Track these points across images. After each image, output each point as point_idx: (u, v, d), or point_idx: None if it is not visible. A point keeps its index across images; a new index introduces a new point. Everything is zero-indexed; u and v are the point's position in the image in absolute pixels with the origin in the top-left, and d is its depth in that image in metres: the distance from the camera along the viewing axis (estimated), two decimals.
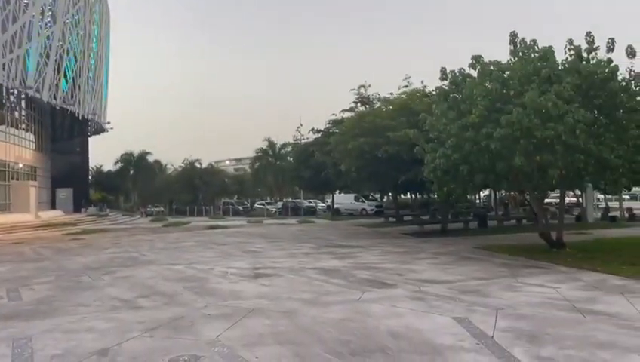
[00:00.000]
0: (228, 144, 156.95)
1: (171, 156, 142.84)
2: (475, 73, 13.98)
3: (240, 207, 54.86)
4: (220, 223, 32.87)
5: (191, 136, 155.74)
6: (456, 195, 16.52)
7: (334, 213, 42.32)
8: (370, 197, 44.09)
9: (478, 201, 42.33)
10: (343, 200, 44.30)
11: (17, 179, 38.30)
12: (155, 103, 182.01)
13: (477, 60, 13.72)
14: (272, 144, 62.81)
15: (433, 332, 6.12)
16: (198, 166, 64.65)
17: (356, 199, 43.39)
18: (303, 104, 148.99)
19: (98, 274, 11.61)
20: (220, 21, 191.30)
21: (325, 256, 14.40)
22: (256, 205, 56.06)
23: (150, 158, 70.31)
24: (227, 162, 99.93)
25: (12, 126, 39.43)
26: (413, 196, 36.05)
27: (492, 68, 13.50)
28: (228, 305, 7.94)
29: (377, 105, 28.09)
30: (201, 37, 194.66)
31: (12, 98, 39.15)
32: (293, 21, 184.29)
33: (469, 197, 33.92)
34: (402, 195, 36.19)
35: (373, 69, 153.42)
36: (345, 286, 9.47)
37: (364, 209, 42.83)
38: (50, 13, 36.90)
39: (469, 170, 13.03)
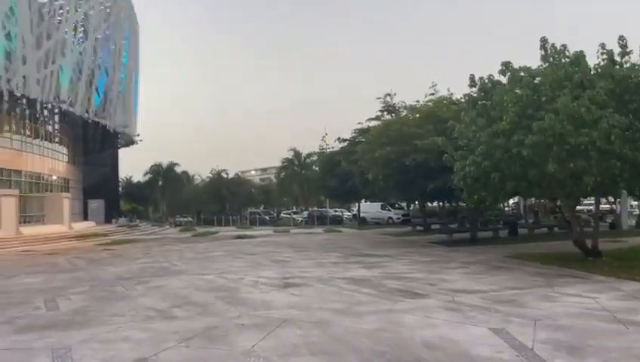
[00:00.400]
0: (253, 154, 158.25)
1: (199, 167, 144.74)
2: (504, 79, 13.81)
3: (266, 217, 55.19)
4: (248, 233, 33.08)
5: (217, 146, 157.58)
6: (487, 203, 16.26)
7: (361, 221, 42.15)
8: (397, 205, 43.81)
9: (506, 209, 41.62)
10: (369, 208, 44.12)
11: (51, 191, 39.28)
12: (183, 114, 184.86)
13: (506, 66, 13.56)
14: (297, 153, 63.18)
15: (470, 343, 6.02)
16: (225, 176, 65.37)
17: (383, 208, 43.17)
18: (328, 113, 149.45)
19: (131, 284, 11.80)
20: (245, 31, 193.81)
21: (354, 266, 14.34)
22: (282, 214, 56.32)
23: (178, 169, 71.42)
24: (253, 172, 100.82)
25: (46, 139, 40.55)
26: (440, 204, 35.68)
27: (522, 74, 13.32)
28: (260, 315, 7.97)
29: (404, 113, 27.97)
30: (228, 47, 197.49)
31: (46, 112, 40.30)
32: (317, 30, 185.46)
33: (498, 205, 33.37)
34: (430, 203, 35.84)
35: (397, 78, 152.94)
36: (376, 296, 9.40)
37: (390, 217, 42.56)
38: (82, 29, 37.96)
39: (500, 178, 12.83)
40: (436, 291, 9.77)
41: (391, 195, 32.25)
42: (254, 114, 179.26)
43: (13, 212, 30.37)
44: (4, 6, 29.19)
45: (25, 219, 34.20)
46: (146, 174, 71.11)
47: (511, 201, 40.39)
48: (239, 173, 72.25)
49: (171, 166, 70.79)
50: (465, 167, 13.21)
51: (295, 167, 63.39)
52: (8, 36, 29.88)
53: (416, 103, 26.70)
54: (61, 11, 35.49)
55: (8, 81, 29.48)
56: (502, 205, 38.01)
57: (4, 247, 24.22)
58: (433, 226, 29.15)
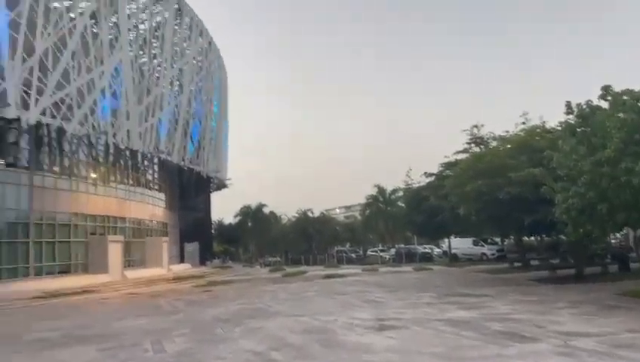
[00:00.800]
0: (337, 192, 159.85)
1: (285, 207, 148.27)
2: (604, 105, 12.98)
3: (353, 255, 54.89)
4: (336, 272, 33.00)
5: (302, 185, 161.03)
6: (594, 236, 15.09)
7: (452, 258, 40.67)
8: (490, 240, 41.89)
9: (613, 241, 38.35)
10: (460, 244, 42.53)
11: (151, 236, 41.85)
12: (268, 155, 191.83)
13: (607, 90, 12.76)
14: (381, 190, 62.74)
15: None
16: (311, 215, 66.24)
17: (475, 243, 41.43)
18: (411, 148, 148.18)
19: (230, 326, 12.07)
20: (329, 70, 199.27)
21: (450, 306, 13.74)
22: (369, 252, 55.78)
23: (266, 210, 73.41)
24: (337, 210, 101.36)
25: (146, 187, 43.58)
26: (539, 238, 33.65)
27: (625, 97, 12.45)
28: (359, 360, 7.79)
29: (492, 144, 27.05)
30: (310, 86, 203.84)
31: (146, 162, 43.49)
32: (394, 68, 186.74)
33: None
34: (526, 237, 33.95)
35: (481, 109, 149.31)
36: (479, 340, 8.89)
37: (484, 253, 40.69)
38: (177, 83, 41.04)
39: (608, 209, 11.90)
40: (545, 334, 9.07)
41: (484, 230, 30.96)
42: (337, 152, 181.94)
43: (119, 257, 32.65)
44: (110, 68, 32.26)
45: (129, 263, 36.55)
46: (236, 216, 73.75)
47: (618, 233, 37.25)
48: (324, 212, 72.95)
49: (259, 207, 72.88)
50: (568, 199, 12.41)
51: (380, 203, 62.88)
52: (114, 94, 32.86)
53: (505, 133, 25.78)
54: (159, 68, 38.62)
55: (114, 135, 32.24)
56: (608, 238, 35.14)
57: (112, 290, 25.93)
58: (532, 262, 27.46)
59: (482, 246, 41.37)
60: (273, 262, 57.91)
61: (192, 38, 42.80)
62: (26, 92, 25.94)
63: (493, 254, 39.54)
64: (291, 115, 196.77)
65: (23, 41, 25.82)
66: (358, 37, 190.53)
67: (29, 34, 26.25)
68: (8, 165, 28.70)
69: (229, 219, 76.19)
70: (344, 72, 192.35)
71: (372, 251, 55.89)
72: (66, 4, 30.41)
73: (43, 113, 26.88)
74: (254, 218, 72.68)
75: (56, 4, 29.55)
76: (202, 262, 51.95)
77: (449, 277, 24.76)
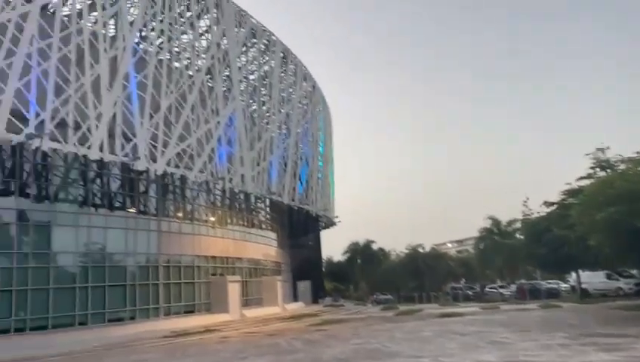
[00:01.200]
0: (447, 226, 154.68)
1: (393, 242, 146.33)
2: None
3: (470, 292, 52.28)
4: (453, 310, 31.49)
5: (410, 220, 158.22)
6: None
7: (582, 294, 37.09)
8: (625, 273, 37.70)
9: None
10: (591, 278, 38.68)
11: (266, 275, 43.19)
12: (374, 191, 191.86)
13: None
14: (496, 221, 59.56)
15: None
16: (421, 250, 64.50)
17: (609, 277, 37.48)
18: (524, 176, 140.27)
19: None
20: (431, 99, 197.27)
21: (588, 348, 12.39)
22: (487, 289, 52.74)
23: (374, 246, 72.86)
24: (449, 244, 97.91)
25: (259, 227, 45.36)
26: None
27: None
28: None
29: (621, 167, 24.63)
30: (412, 121, 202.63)
31: (258, 203, 45.45)
32: (502, 89, 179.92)
33: None
34: None
35: (601, 131, 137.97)
36: None
37: (620, 288, 36.56)
38: (285, 127, 42.91)
39: None
40: None
41: (619, 262, 27.97)
42: (444, 184, 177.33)
43: (237, 296, 33.99)
44: (225, 117, 34.57)
45: (246, 302, 37.87)
46: (344, 253, 73.99)
47: None
48: (435, 247, 70.72)
49: (368, 244, 72.54)
50: None
51: (495, 236, 59.63)
52: (229, 142, 35.05)
53: (637, 155, 23.36)
54: (268, 114, 40.71)
55: (230, 180, 34.19)
56: None
57: (232, 329, 26.92)
58: None
59: (617, 279, 37.29)
60: (384, 299, 56.89)
61: (297, 83, 44.76)
62: (153, 145, 28.53)
63: (631, 289, 35.47)
64: (397, 150, 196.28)
65: (150, 99, 28.64)
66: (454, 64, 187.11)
67: (154, 93, 29.08)
68: (139, 213, 31.46)
69: (338, 256, 76.72)
70: (446, 100, 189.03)
71: (490, 287, 52.74)
72: (185, 63, 33.42)
73: (168, 163, 29.32)
74: (363, 255, 72.39)
75: (176, 65, 32.58)
76: (315, 301, 52.40)
77: (582, 315, 22.50)
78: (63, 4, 26.60)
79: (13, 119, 22.25)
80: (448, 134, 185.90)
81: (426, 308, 37.55)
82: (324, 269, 71.51)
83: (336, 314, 37.69)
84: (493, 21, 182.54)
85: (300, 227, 56.01)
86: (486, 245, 60.77)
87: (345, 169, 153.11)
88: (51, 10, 26.48)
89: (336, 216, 55.68)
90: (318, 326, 25.66)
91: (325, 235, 63.49)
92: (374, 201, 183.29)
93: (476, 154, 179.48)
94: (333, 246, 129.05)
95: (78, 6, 26.66)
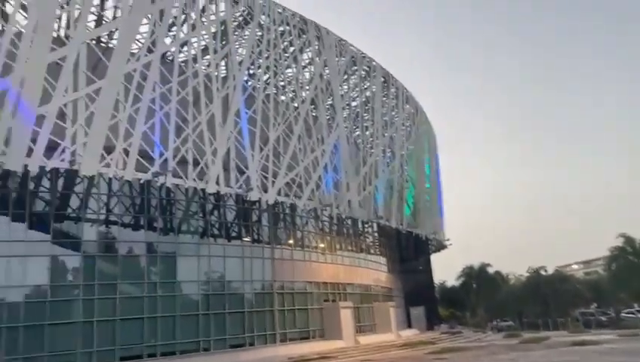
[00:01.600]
0: (571, 246, 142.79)
1: (510, 265, 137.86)
2: None
3: (603, 318, 47.47)
4: (585, 338, 28.69)
5: (527, 241, 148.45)
6: None
7: None
8: None
9: None
10: None
11: (377, 301, 42.55)
12: (486, 211, 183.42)
13: None
14: (629, 240, 53.78)
15: None
16: (544, 273, 59.93)
17: None
18: None
19: None
20: (547, 119, 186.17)
21: None
22: (622, 314, 47.56)
23: (490, 270, 69.09)
24: (575, 266, 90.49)
25: (367, 252, 45.02)
26: None
27: None
28: None
29: None
30: (524, 140, 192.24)
31: (366, 228, 45.24)
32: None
33: None
34: None
35: None
36: None
37: None
38: (389, 150, 42.65)
39: None
40: None
41: None
42: (564, 201, 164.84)
43: (350, 322, 33.77)
44: (330, 145, 35.13)
45: (359, 328, 37.46)
46: (458, 278, 70.89)
47: None
48: (559, 269, 65.41)
49: (483, 267, 68.92)
50: None
51: (629, 255, 53.79)
52: (335, 169, 35.50)
53: None
54: (371, 139, 40.72)
55: (337, 206, 34.47)
56: None
57: (347, 357, 26.69)
58: None
59: None
60: (506, 326, 53.51)
61: (399, 106, 44.44)
62: (264, 176, 29.70)
63: None
64: (513, 164, 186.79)
65: (259, 132, 29.98)
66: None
67: (263, 126, 30.42)
68: (253, 241, 32.72)
69: (452, 281, 73.78)
70: (564, 111, 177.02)
71: (627, 312, 47.48)
72: (290, 95, 34.68)
73: (278, 193, 30.30)
74: (478, 279, 68.85)
75: (282, 98, 33.92)
76: (429, 327, 50.60)
77: None
78: (180, 51, 28.89)
79: (141, 159, 24.36)
80: (569, 147, 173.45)
81: (554, 335, 34.69)
82: (437, 294, 69.11)
83: (454, 341, 36.02)
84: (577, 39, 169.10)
85: (409, 251, 54.83)
86: (619, 266, 54.95)
87: (453, 190, 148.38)
88: (170, 58, 28.91)
89: (447, 239, 53.78)
90: (438, 355, 24.62)
91: (436, 259, 61.59)
92: (487, 222, 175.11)
93: (599, 168, 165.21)
94: (445, 270, 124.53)
95: (193, 51, 28.90)
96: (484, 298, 67.30)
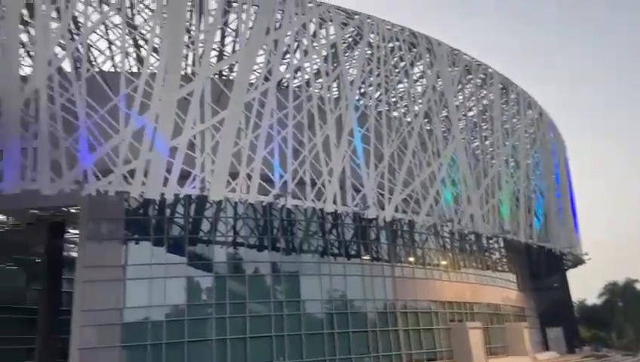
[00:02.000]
0: None
1: None
2: None
3: None
4: None
5: None
6: None
7: None
8: None
9: None
10: None
11: (508, 321, 39.88)
12: (627, 222, 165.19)
13: None
14: None
15: None
16: None
17: None
18: None
19: None
20: None
21: None
22: None
23: (638, 286, 62.07)
24: None
25: (494, 269, 42.53)
26: None
27: None
28: None
29: None
30: None
31: (492, 244, 42.82)
32: None
33: None
34: None
35: None
36: None
37: None
38: (512, 160, 40.22)
39: None
40: None
41: None
42: None
43: (480, 344, 31.98)
44: (447, 158, 33.95)
45: (489, 350, 35.31)
46: (600, 295, 64.61)
47: None
48: None
49: (629, 283, 62.29)
50: None
51: None
52: (453, 182, 34.19)
53: None
54: (491, 149, 38.70)
55: (459, 221, 33.07)
56: None
57: None
58: None
59: None
60: None
61: (521, 112, 41.83)
62: (380, 193, 29.45)
63: None
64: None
65: (373, 150, 29.87)
66: None
67: (377, 143, 30.26)
68: (372, 259, 32.48)
69: (592, 299, 67.32)
70: None
71: None
72: (403, 110, 34.26)
73: (396, 210, 29.82)
74: (624, 296, 62.21)
75: (395, 114, 33.62)
76: (570, 350, 46.21)
77: None
78: (294, 77, 29.92)
79: (263, 183, 25.44)
80: None
81: None
82: (576, 314, 63.32)
83: None
84: None
85: (541, 267, 50.93)
86: None
87: (587, 200, 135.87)
88: (285, 84, 30.04)
89: (585, 253, 49.10)
90: None
91: (573, 275, 56.55)
92: (628, 235, 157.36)
93: None
94: (583, 287, 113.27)
95: (306, 76, 29.80)
96: (632, 317, 60.59)
